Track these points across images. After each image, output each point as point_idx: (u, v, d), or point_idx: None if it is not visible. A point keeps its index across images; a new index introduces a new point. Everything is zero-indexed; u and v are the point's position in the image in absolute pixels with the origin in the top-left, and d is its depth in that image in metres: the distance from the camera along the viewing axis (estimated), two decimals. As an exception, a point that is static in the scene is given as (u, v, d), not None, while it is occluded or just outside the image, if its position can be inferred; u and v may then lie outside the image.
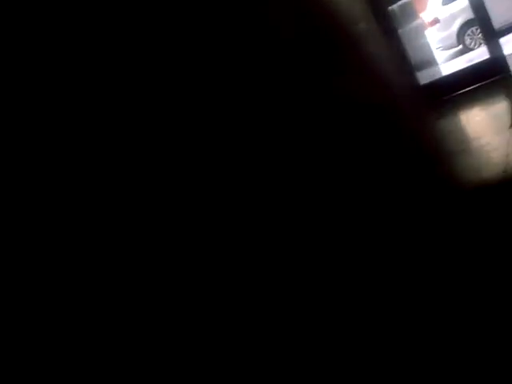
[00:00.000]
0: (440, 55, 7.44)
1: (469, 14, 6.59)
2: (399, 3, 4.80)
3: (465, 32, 7.25)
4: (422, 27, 5.66)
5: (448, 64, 6.39)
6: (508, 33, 6.27)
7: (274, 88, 1.42)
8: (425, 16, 7.49)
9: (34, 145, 0.85)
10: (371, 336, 0.88)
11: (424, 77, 4.73)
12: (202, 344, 0.92)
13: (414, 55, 4.73)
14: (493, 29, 4.26)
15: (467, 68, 4.50)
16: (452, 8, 7.32)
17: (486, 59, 4.33)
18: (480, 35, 6.70)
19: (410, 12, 5.19)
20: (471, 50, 7.11)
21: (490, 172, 1.80)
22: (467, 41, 7.25)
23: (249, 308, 0.98)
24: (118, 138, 0.96)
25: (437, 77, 4.75)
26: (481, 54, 5.39)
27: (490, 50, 4.28)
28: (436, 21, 7.53)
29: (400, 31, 4.62)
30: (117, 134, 0.97)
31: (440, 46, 7.65)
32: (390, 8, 4.55)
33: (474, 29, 7.05)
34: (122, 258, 0.90)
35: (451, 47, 7.53)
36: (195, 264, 0.99)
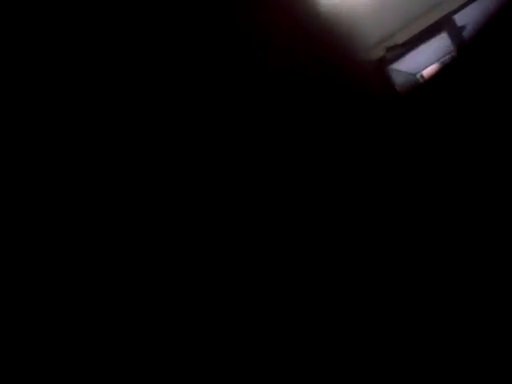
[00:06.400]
0: None
1: None
2: None
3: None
4: None
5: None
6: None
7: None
8: None
9: (34, 144, 0.85)
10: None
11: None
12: (202, 344, 0.92)
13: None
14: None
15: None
16: None
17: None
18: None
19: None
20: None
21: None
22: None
23: (249, 308, 0.98)
24: (117, 138, 0.97)
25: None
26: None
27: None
28: None
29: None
30: (116, 134, 0.97)
31: None
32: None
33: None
34: (122, 257, 0.90)
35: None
36: (195, 264, 0.99)
